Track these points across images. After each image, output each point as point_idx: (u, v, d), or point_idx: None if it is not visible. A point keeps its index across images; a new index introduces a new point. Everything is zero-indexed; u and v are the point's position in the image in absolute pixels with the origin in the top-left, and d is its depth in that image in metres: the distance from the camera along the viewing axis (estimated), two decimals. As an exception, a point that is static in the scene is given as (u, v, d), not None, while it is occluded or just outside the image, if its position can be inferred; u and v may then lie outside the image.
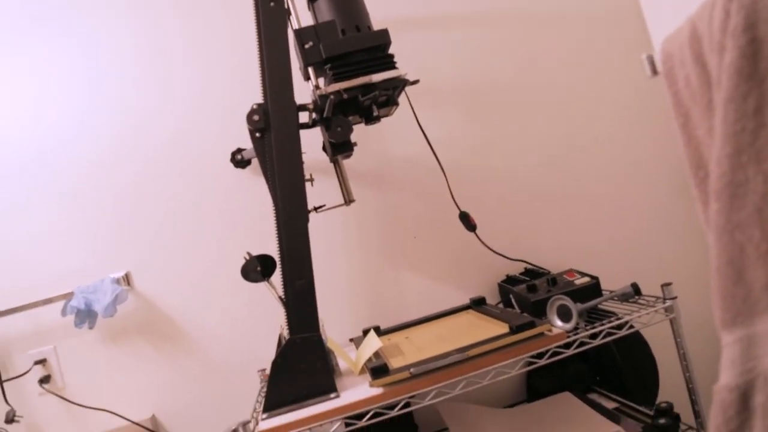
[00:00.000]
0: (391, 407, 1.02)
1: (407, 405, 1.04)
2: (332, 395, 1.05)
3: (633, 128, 1.67)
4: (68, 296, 1.41)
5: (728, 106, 0.42)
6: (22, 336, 1.44)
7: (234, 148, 1.49)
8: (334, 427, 1.01)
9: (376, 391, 1.02)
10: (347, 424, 1.03)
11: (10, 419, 1.40)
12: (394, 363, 1.10)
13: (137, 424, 1.44)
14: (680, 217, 1.68)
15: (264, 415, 1.04)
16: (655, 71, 0.53)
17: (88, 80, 1.48)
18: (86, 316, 1.40)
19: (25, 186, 1.46)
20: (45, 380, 1.44)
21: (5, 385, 1.43)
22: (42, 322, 1.45)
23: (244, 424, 0.99)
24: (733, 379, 0.43)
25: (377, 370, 1.03)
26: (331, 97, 1.10)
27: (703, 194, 0.50)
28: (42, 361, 1.44)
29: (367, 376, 1.12)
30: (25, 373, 1.43)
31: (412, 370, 1.02)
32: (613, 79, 1.66)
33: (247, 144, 1.49)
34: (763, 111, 0.40)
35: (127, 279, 1.47)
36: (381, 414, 1.02)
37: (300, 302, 1.05)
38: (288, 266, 1.05)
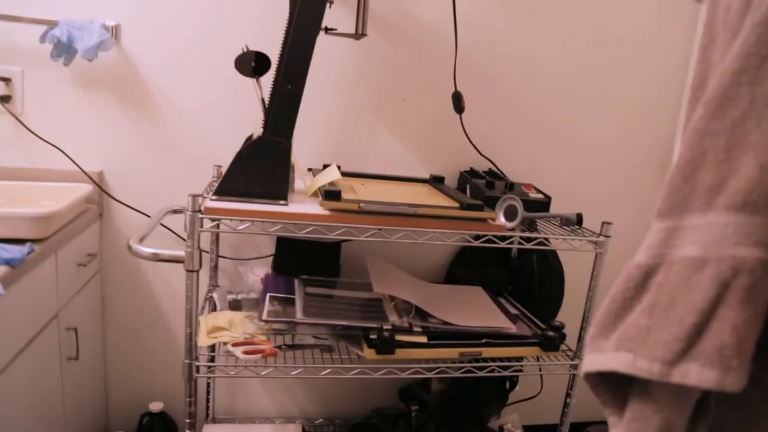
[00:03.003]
0: (331, 230, 1.10)
1: (345, 236, 1.12)
2: (281, 202, 1.11)
3: (645, 92, 1.72)
4: (53, 24, 1.37)
5: (754, 29, 0.46)
6: (-7, 47, 1.41)
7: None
8: (274, 228, 1.08)
9: (323, 211, 1.09)
10: (282, 231, 1.10)
11: (-38, 122, 1.40)
12: (346, 196, 1.16)
13: (84, 172, 1.47)
14: (650, 197, 1.79)
15: (214, 197, 1.10)
16: (700, -3, 0.57)
17: None
18: (65, 50, 1.37)
19: None
20: (5, 99, 1.43)
21: (-36, 87, 1.41)
22: (16, 41, 1.41)
23: (194, 197, 1.03)
24: (645, 259, 0.51)
25: (331, 193, 1.09)
26: None
27: (692, 110, 0.54)
28: (6, 80, 1.42)
29: (317, 200, 1.19)
30: (-13, 84, 1.41)
31: (361, 204, 1.09)
32: (656, 45, 1.68)
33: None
34: (780, 43, 0.44)
35: (115, 31, 1.43)
36: (321, 233, 1.09)
37: (283, 107, 1.08)
38: (284, 69, 1.07)
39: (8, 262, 1.01)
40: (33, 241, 1.13)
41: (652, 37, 1.68)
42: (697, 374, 0.44)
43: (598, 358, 0.52)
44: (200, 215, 1.04)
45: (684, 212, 0.48)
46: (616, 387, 0.54)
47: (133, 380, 1.65)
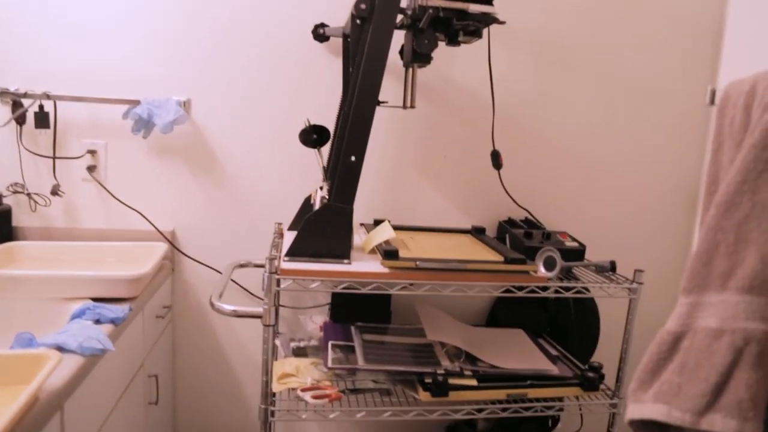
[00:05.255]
0: (390, 286, 1.23)
1: (400, 289, 1.25)
2: (345, 261, 1.25)
3: (670, 141, 1.84)
4: (134, 103, 1.55)
5: (751, 150, 0.58)
6: (81, 124, 1.59)
7: (318, 22, 1.60)
8: (341, 286, 1.21)
9: (383, 269, 1.22)
10: (348, 288, 1.23)
11: (55, 192, 1.58)
12: (402, 254, 1.30)
13: (161, 233, 1.64)
14: (680, 235, 1.89)
15: (286, 258, 1.24)
16: (712, 102, 0.69)
17: None
18: (144, 125, 1.55)
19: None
20: (91, 169, 1.61)
21: (56, 162, 1.60)
22: (101, 117, 1.60)
23: (271, 260, 1.18)
24: (674, 327, 0.63)
25: (390, 253, 1.23)
26: (430, 11, 1.22)
27: (708, 202, 0.67)
28: (93, 152, 1.61)
29: (375, 256, 1.32)
30: (78, 158, 1.59)
31: (418, 262, 1.22)
32: (672, 93, 1.81)
33: (330, 22, 1.60)
34: (772, 161, 0.57)
35: (186, 105, 1.61)
36: (382, 289, 1.22)
37: (347, 176, 1.22)
38: (347, 142, 1.21)
39: (113, 321, 1.16)
40: (126, 299, 1.29)
41: (675, 88, 1.80)
42: (720, 423, 0.55)
43: (640, 408, 0.63)
44: (276, 276, 1.18)
45: (703, 291, 0.60)
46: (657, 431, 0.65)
47: (200, 419, 1.79)
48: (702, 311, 0.60)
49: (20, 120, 1.55)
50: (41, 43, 1.54)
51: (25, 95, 1.53)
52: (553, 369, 1.44)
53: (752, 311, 0.56)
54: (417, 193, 1.74)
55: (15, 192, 1.59)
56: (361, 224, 1.65)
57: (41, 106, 1.55)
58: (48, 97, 1.54)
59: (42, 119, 1.55)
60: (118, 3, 1.56)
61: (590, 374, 1.43)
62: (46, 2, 1.53)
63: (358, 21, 1.24)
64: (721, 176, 0.66)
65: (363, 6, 1.21)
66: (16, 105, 1.53)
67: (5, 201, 1.57)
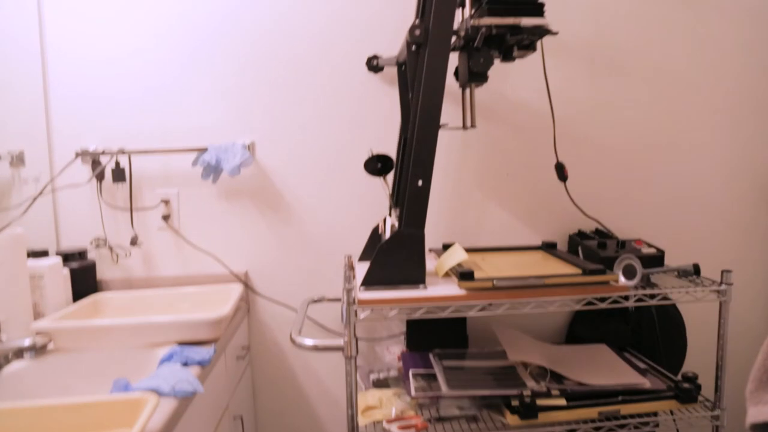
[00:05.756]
0: (468, 308, 1.21)
1: (474, 310, 1.23)
2: (420, 286, 1.24)
3: (743, 140, 1.77)
4: (202, 150, 1.61)
5: None
6: (154, 175, 1.66)
7: (371, 54, 1.63)
8: (420, 311, 1.20)
9: (460, 291, 1.21)
10: (427, 312, 1.22)
11: (134, 242, 1.65)
12: (477, 274, 1.28)
13: (235, 275, 1.67)
14: (759, 233, 1.81)
15: (362, 288, 1.24)
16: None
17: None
18: (213, 171, 1.61)
19: (190, 55, 1.64)
20: (166, 218, 1.67)
21: (134, 213, 1.67)
22: (172, 167, 1.67)
23: (348, 291, 1.18)
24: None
25: (466, 274, 1.21)
26: (483, 29, 1.22)
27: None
28: (166, 201, 1.67)
29: (449, 279, 1.31)
30: (153, 208, 1.66)
31: (495, 281, 1.20)
32: (741, 90, 1.75)
33: (382, 53, 1.63)
34: None
35: (250, 148, 1.66)
36: (460, 312, 1.21)
37: (415, 201, 1.22)
38: (414, 167, 1.22)
39: (200, 363, 1.18)
40: (209, 342, 1.31)
41: (739, 86, 1.73)
42: None
43: (763, 410, 0.59)
44: (355, 306, 1.18)
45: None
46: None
47: (283, 459, 1.80)
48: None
49: (99, 177, 1.63)
50: (115, 104, 1.63)
51: (103, 153, 1.61)
52: (644, 382, 1.37)
53: None
54: (481, 213, 1.72)
55: (98, 246, 1.67)
56: (430, 249, 1.65)
57: (117, 162, 1.62)
58: (123, 152, 1.61)
59: (119, 174, 1.63)
60: (182, 59, 1.64)
61: (686, 385, 1.36)
62: (115, 69, 1.63)
63: (413, 47, 1.26)
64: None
65: (417, 32, 1.23)
66: (95, 163, 1.61)
67: (89, 256, 1.65)
